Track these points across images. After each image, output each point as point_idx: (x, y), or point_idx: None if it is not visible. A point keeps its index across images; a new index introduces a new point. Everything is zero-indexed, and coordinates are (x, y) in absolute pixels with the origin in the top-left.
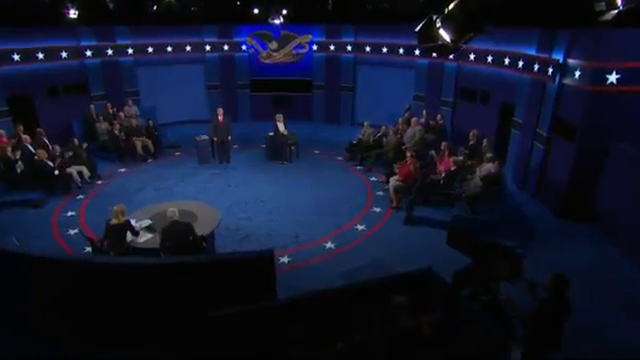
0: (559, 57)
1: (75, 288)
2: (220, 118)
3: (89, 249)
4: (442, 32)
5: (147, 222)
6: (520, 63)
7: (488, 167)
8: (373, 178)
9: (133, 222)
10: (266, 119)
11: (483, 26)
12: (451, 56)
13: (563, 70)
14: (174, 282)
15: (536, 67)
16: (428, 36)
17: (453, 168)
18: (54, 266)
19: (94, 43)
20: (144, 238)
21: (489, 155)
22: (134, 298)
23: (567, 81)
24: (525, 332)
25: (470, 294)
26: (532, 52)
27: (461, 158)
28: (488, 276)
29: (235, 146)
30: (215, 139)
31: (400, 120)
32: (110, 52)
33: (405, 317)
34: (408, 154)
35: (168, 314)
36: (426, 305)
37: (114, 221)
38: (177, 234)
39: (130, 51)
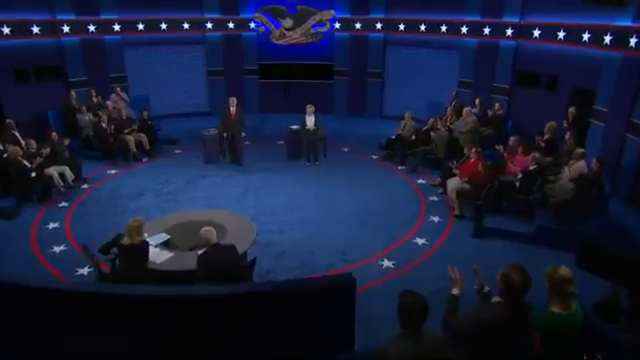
0: None
1: (83, 329)
2: (232, 110)
3: (82, 271)
4: None
5: (163, 237)
6: (607, 38)
7: (579, 166)
8: (421, 180)
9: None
10: (277, 110)
11: None
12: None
13: None
14: (221, 319)
15: (633, 41)
16: None
17: (532, 167)
18: (52, 298)
19: (73, 17)
20: (163, 258)
21: (580, 151)
22: (166, 341)
23: None
24: None
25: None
26: (627, 23)
27: (537, 155)
28: None
29: (246, 142)
30: (225, 135)
31: (449, 110)
32: (92, 28)
33: None
34: (472, 150)
35: None
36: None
37: (126, 240)
38: (221, 259)
39: (116, 28)
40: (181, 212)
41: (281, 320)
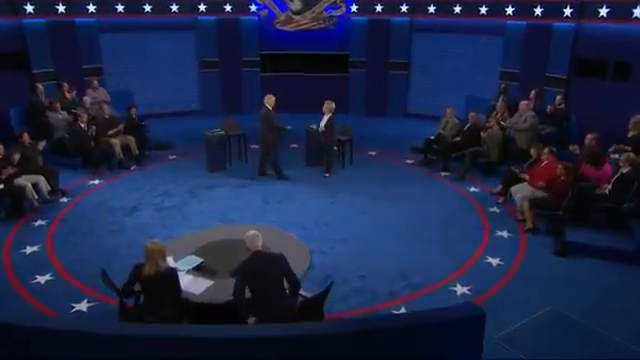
0: None
1: None
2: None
3: (79, 307)
4: None
5: (195, 260)
6: None
7: None
8: (473, 188)
9: (171, 262)
10: (283, 110)
11: None
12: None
13: None
14: None
15: None
16: None
17: (625, 170)
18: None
19: None
20: (201, 287)
21: None
22: None
23: None
24: None
25: None
26: None
27: (632, 155)
28: None
29: (253, 146)
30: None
31: (498, 105)
32: (62, 9)
33: None
34: (544, 150)
35: None
36: None
37: (149, 269)
38: (264, 271)
39: (91, 9)
40: (211, 229)
41: None
